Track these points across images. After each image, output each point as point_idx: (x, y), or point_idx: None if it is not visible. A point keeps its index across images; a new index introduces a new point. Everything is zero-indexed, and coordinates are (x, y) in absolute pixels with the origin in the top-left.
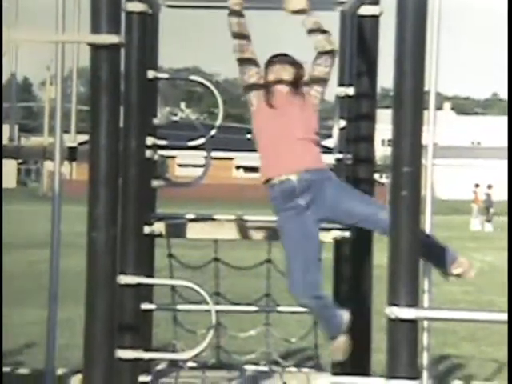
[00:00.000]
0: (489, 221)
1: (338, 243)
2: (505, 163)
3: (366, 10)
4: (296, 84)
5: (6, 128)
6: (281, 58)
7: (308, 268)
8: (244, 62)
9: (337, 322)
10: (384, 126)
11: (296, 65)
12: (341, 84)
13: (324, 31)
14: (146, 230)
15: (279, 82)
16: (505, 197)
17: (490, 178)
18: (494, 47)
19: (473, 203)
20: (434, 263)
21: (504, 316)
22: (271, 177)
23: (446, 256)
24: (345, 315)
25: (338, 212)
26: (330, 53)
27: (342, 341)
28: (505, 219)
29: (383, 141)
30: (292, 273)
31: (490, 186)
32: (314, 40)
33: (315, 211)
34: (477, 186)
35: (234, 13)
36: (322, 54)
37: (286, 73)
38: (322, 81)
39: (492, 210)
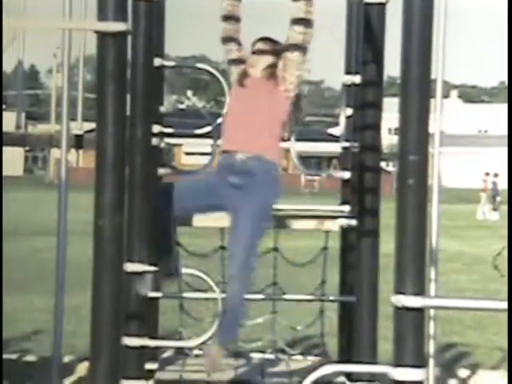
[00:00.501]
0: (495, 209)
1: (345, 231)
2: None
3: None
4: (270, 72)
5: (12, 115)
6: (263, 43)
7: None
8: (226, 39)
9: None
10: (390, 114)
11: (276, 51)
12: (347, 72)
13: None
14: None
15: (253, 67)
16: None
17: (496, 167)
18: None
19: (482, 192)
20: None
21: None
22: (225, 149)
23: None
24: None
25: (233, 216)
26: (303, 20)
27: (215, 351)
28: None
29: (390, 129)
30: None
31: (496, 175)
32: (294, 5)
33: (234, 195)
34: (487, 174)
35: None
36: (294, 20)
37: (263, 60)
38: (298, 50)
39: (499, 199)
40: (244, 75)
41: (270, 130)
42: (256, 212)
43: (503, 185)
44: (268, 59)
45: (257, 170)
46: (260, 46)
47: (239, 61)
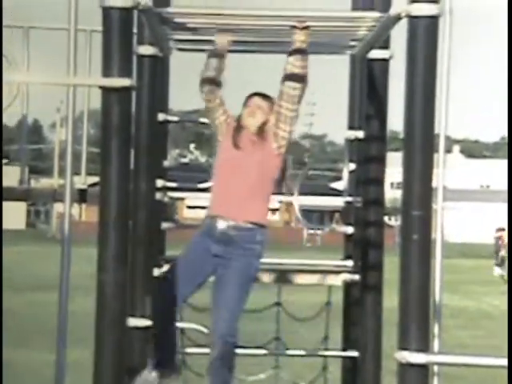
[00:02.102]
0: (498, 265)
1: (348, 286)
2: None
3: (375, 53)
4: (263, 129)
5: (16, 170)
6: (260, 98)
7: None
8: (211, 108)
9: None
10: (393, 168)
11: (270, 106)
12: (350, 127)
13: (302, 54)
14: (156, 272)
15: (251, 122)
16: None
17: (499, 222)
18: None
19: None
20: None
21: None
22: (209, 214)
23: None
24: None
25: (217, 280)
26: (298, 75)
27: None
28: None
29: (392, 183)
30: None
31: (498, 230)
32: (289, 60)
33: (217, 265)
34: (503, 229)
35: (217, 55)
36: (288, 76)
37: (260, 116)
38: (291, 101)
39: (502, 254)
40: (237, 131)
41: (261, 193)
42: (238, 280)
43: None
44: (264, 115)
45: (237, 239)
46: (258, 101)
47: (226, 126)
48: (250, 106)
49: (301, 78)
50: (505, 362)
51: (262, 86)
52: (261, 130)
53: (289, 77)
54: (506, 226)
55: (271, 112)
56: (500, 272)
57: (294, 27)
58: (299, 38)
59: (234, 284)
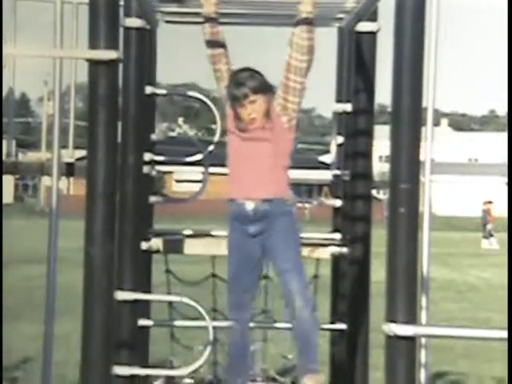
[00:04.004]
0: (485, 237)
1: (336, 259)
2: (502, 180)
3: (363, 26)
4: (266, 111)
5: (3, 144)
6: (248, 90)
7: (247, 291)
8: (217, 72)
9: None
10: (381, 142)
11: (263, 90)
12: (338, 100)
13: (309, 25)
14: (144, 245)
15: (251, 121)
16: (503, 213)
17: (488, 195)
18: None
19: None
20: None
21: (502, 333)
22: (232, 198)
23: (311, 360)
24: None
25: (268, 253)
26: (304, 48)
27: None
28: (502, 235)
29: (380, 157)
30: (231, 291)
31: (485, 203)
32: (295, 32)
33: (262, 240)
34: (490, 202)
35: (209, 20)
36: (295, 48)
37: (259, 110)
38: (299, 72)
39: (489, 227)
40: (240, 119)
41: (278, 168)
42: (287, 237)
43: (494, 213)
44: (264, 103)
45: (271, 211)
46: (245, 99)
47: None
48: (242, 109)
49: (308, 50)
50: (492, 333)
51: (267, 60)
52: (264, 115)
53: (296, 49)
54: (493, 199)
55: (264, 89)
56: (487, 245)
57: None
58: (306, 9)
59: (287, 243)
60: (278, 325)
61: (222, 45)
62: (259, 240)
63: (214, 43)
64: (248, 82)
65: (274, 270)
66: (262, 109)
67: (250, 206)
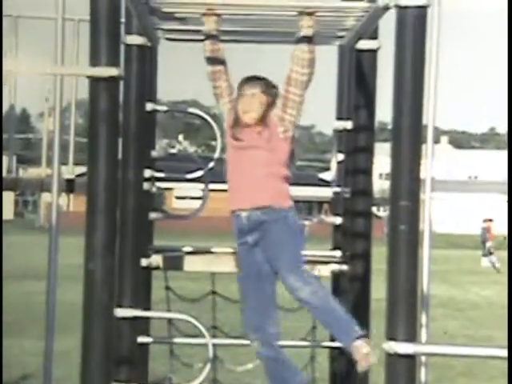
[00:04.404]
0: (485, 255)
1: (336, 277)
2: (502, 198)
3: (364, 44)
4: (264, 115)
5: (4, 159)
6: (251, 85)
7: (260, 309)
8: (217, 89)
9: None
10: (381, 159)
11: (267, 91)
12: (339, 118)
13: (310, 41)
14: (144, 262)
15: (247, 113)
16: (503, 231)
17: (488, 213)
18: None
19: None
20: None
21: (502, 352)
22: (231, 210)
23: (349, 329)
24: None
25: (269, 260)
26: (304, 62)
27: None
28: (502, 254)
29: (380, 174)
30: (245, 311)
31: (485, 221)
32: (297, 47)
33: (263, 249)
34: (490, 220)
35: (210, 37)
36: (296, 62)
37: (255, 104)
38: (299, 86)
39: (488, 245)
40: (236, 124)
41: (272, 178)
42: (284, 239)
43: (495, 231)
44: (260, 101)
45: (264, 218)
46: (248, 89)
47: (231, 115)
48: (243, 100)
49: (309, 63)
50: (492, 351)
51: (268, 75)
52: (261, 118)
53: (297, 63)
54: (493, 216)
55: (267, 94)
56: (487, 263)
57: (301, 13)
58: (306, 24)
59: (283, 248)
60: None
61: (222, 62)
62: (260, 250)
63: (215, 60)
64: (255, 79)
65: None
66: (259, 107)
67: (243, 215)
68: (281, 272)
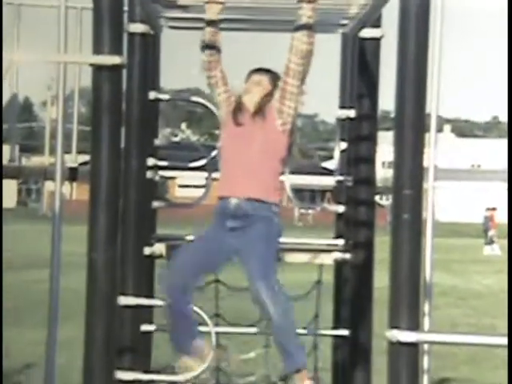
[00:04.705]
0: (487, 244)
1: (339, 265)
2: (505, 186)
3: (367, 32)
4: (263, 104)
5: (6, 148)
6: (259, 73)
7: (194, 275)
8: (212, 79)
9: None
10: (384, 147)
11: (273, 81)
12: (342, 106)
13: (309, 30)
14: (147, 250)
15: (248, 93)
16: (505, 220)
17: (490, 201)
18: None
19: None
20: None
21: (505, 340)
22: (221, 195)
23: (296, 357)
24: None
25: (240, 254)
26: (303, 52)
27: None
28: (506, 242)
29: (383, 163)
30: (177, 268)
31: (488, 209)
32: (295, 36)
33: (237, 237)
34: (493, 209)
35: (211, 25)
36: (294, 52)
37: (258, 91)
38: (296, 77)
39: (490, 233)
40: (237, 110)
41: (266, 170)
42: (261, 244)
43: (500, 219)
44: (263, 90)
45: (253, 212)
46: (256, 77)
47: (228, 103)
48: (248, 84)
49: (306, 54)
50: (495, 340)
51: (267, 64)
52: (260, 107)
53: (295, 53)
54: (496, 205)
55: (273, 86)
56: (489, 251)
57: (301, 1)
58: (306, 13)
59: (260, 251)
60: None
61: (219, 51)
62: (234, 236)
63: (212, 48)
64: (264, 69)
65: (245, 272)
66: (261, 92)
67: (233, 201)
68: (251, 273)
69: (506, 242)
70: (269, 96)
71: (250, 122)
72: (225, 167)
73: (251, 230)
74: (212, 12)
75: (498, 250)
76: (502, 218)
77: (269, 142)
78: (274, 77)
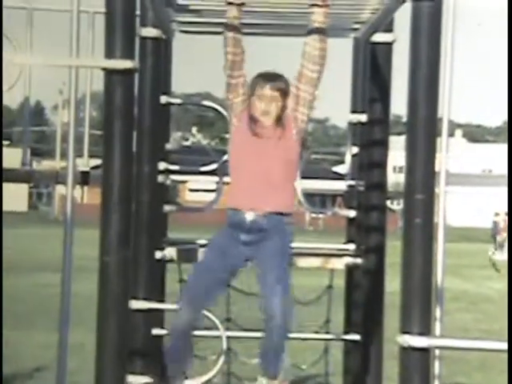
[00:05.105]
0: (495, 249)
1: (350, 270)
2: None
3: (379, 37)
4: (281, 116)
5: (18, 152)
6: (272, 85)
7: (210, 292)
8: (232, 79)
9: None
10: (396, 152)
11: (287, 92)
12: (353, 111)
13: (322, 35)
14: (158, 254)
15: (266, 115)
16: None
17: (501, 206)
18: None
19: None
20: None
21: None
22: (232, 206)
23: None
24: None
25: (258, 263)
26: (316, 58)
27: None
28: None
29: (394, 167)
30: (191, 288)
31: (496, 214)
32: (308, 41)
33: (251, 251)
34: (505, 214)
35: (231, 27)
36: (307, 57)
37: (275, 107)
38: (310, 83)
39: (499, 238)
40: (253, 122)
41: (285, 181)
42: (277, 257)
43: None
44: (280, 103)
45: (269, 226)
46: (270, 90)
47: (242, 108)
48: (263, 100)
49: (320, 60)
50: (506, 345)
51: (280, 69)
52: (279, 118)
53: (308, 59)
54: (506, 210)
55: (287, 94)
56: (499, 257)
57: (313, 6)
58: (318, 19)
59: (277, 263)
60: (291, 335)
61: (241, 53)
62: (248, 250)
63: (234, 52)
64: (276, 77)
65: (259, 279)
66: (279, 109)
67: (249, 217)
68: (267, 284)
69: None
70: (284, 108)
71: (270, 133)
72: (238, 177)
73: (267, 242)
74: (232, 12)
75: (505, 255)
76: None
77: (287, 152)
78: (286, 86)
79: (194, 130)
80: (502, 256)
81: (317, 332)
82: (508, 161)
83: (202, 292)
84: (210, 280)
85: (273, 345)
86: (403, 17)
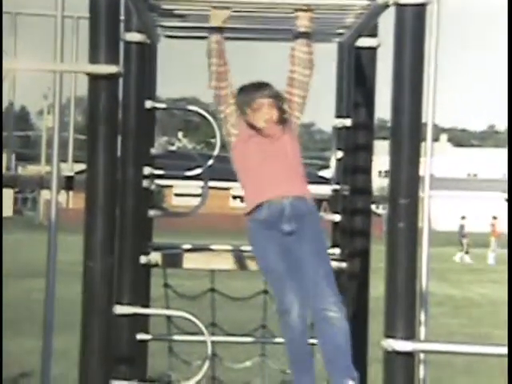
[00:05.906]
0: (466, 252)
1: (335, 274)
2: (501, 195)
3: (363, 41)
4: (281, 117)
5: (3, 157)
6: (263, 94)
7: (295, 289)
8: (221, 90)
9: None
10: (381, 157)
11: (278, 96)
12: (338, 115)
13: (308, 39)
14: (143, 259)
15: (269, 122)
16: (503, 229)
17: (486, 210)
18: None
19: (491, 236)
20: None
21: (502, 349)
22: (260, 202)
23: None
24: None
25: (299, 254)
26: (305, 62)
27: None
28: (502, 251)
29: (380, 172)
30: (281, 292)
31: (463, 217)
32: (295, 46)
33: (296, 239)
34: (494, 218)
35: (216, 30)
36: (296, 62)
37: (274, 113)
38: (301, 88)
39: (465, 241)
40: (257, 130)
41: (298, 173)
42: (319, 245)
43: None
44: (277, 108)
45: (306, 210)
46: (263, 99)
47: (238, 116)
48: (261, 111)
49: (310, 64)
50: (491, 349)
51: (263, 74)
52: (281, 118)
53: (298, 64)
54: (495, 214)
55: (280, 96)
56: (467, 260)
57: (298, 11)
58: (303, 23)
59: (320, 255)
60: (276, 340)
61: (227, 61)
62: (293, 240)
63: (221, 57)
64: (263, 86)
65: (304, 272)
66: (277, 113)
67: (285, 201)
68: (317, 276)
69: (482, 251)
70: (282, 110)
71: (271, 131)
72: (254, 177)
73: (306, 227)
74: (217, 19)
75: (468, 259)
76: (501, 227)
77: (294, 146)
78: (275, 90)
79: (180, 134)
80: (468, 260)
81: None
82: (508, 163)
83: (294, 290)
84: (288, 280)
85: (341, 342)
86: (387, 21)
